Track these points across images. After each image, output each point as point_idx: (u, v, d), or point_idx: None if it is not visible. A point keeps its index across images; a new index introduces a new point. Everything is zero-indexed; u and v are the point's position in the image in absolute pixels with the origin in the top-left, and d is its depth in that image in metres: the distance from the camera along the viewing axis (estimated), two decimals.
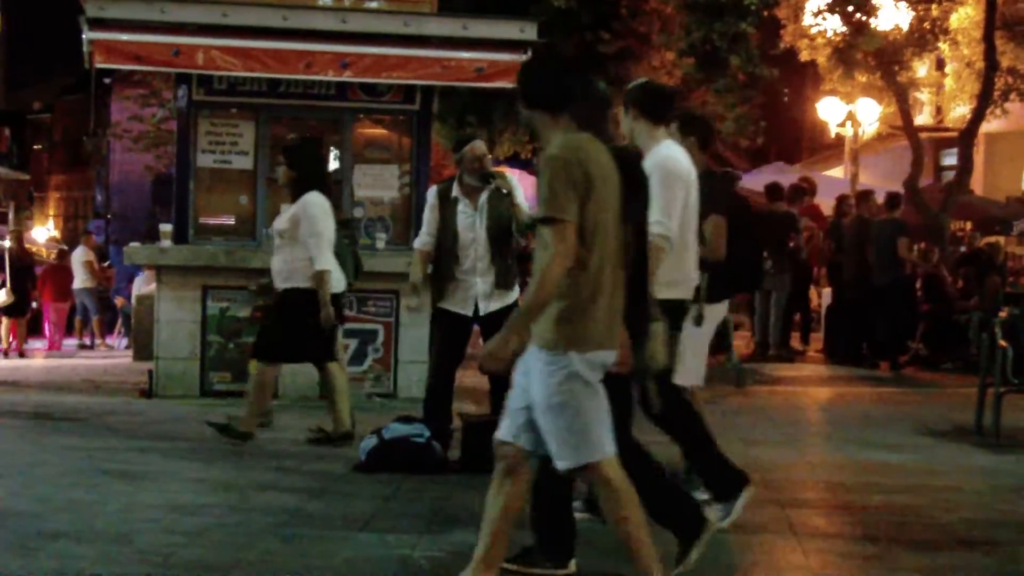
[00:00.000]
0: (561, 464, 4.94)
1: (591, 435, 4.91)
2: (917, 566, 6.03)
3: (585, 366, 4.87)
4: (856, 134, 21.87)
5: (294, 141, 10.46)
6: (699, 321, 7.00)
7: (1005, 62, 17.22)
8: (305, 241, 8.55)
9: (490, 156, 8.27)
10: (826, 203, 18.20)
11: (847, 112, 21.63)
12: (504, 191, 8.05)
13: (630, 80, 17.78)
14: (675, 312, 6.40)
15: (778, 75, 20.02)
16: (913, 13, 17.66)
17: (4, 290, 19.98)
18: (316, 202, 8.63)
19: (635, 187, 5.36)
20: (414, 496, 7.26)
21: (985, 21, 17.03)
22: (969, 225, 21.26)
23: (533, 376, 4.93)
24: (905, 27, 17.57)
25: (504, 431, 5.10)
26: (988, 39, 16.88)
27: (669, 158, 6.40)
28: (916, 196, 17.15)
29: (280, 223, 8.80)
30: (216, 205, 11.54)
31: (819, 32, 17.79)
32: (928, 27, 17.66)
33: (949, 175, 21.83)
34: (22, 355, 19.70)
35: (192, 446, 8.58)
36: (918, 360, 15.50)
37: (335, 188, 11.35)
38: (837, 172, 25.20)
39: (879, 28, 17.30)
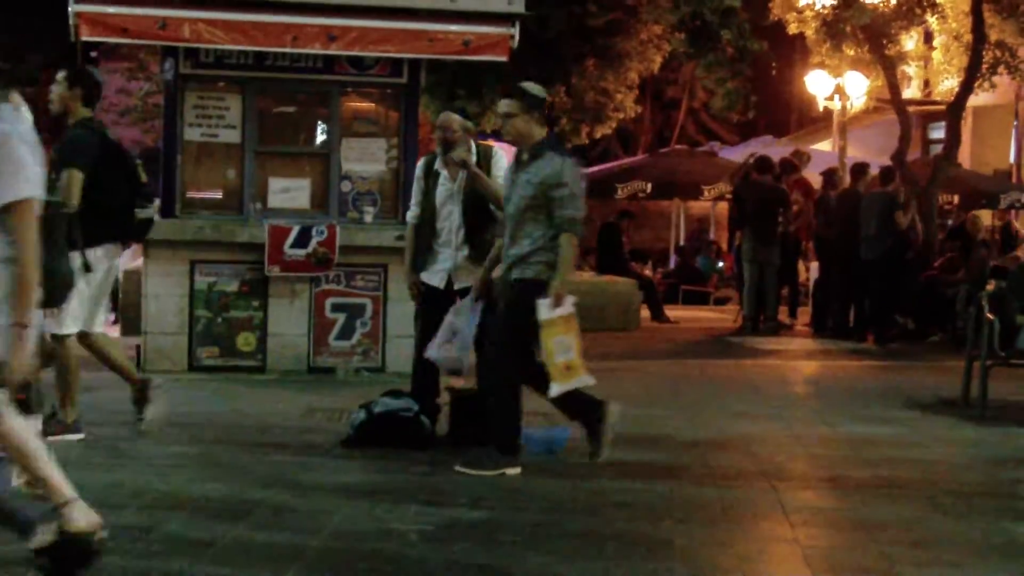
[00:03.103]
0: None
1: None
2: (903, 538, 6.06)
3: None
4: (844, 107, 21.86)
5: None
6: (86, 268, 7.52)
7: (993, 35, 17.17)
8: None
9: (462, 132, 8.11)
10: (814, 176, 18.22)
11: (835, 85, 21.62)
12: (458, 160, 7.98)
13: (619, 53, 17.80)
14: None
15: (767, 48, 19.97)
16: None
17: None
18: None
19: None
20: (403, 470, 7.28)
21: None
22: (956, 199, 21.28)
23: None
24: (893, 0, 17.54)
25: None
26: (976, 12, 16.83)
27: None
28: (903, 169, 17.11)
29: None
30: (203, 179, 11.49)
31: (807, 5, 17.75)
32: (916, 0, 17.62)
33: (937, 148, 21.82)
34: None
35: (179, 420, 8.57)
36: (906, 333, 15.53)
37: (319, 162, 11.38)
38: (825, 146, 25.19)
39: (867, 1, 17.27)
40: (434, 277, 8.13)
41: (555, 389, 7.35)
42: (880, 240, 14.87)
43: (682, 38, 18.05)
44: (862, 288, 15.36)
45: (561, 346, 7.22)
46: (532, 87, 7.54)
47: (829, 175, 17.13)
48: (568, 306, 7.23)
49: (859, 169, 16.40)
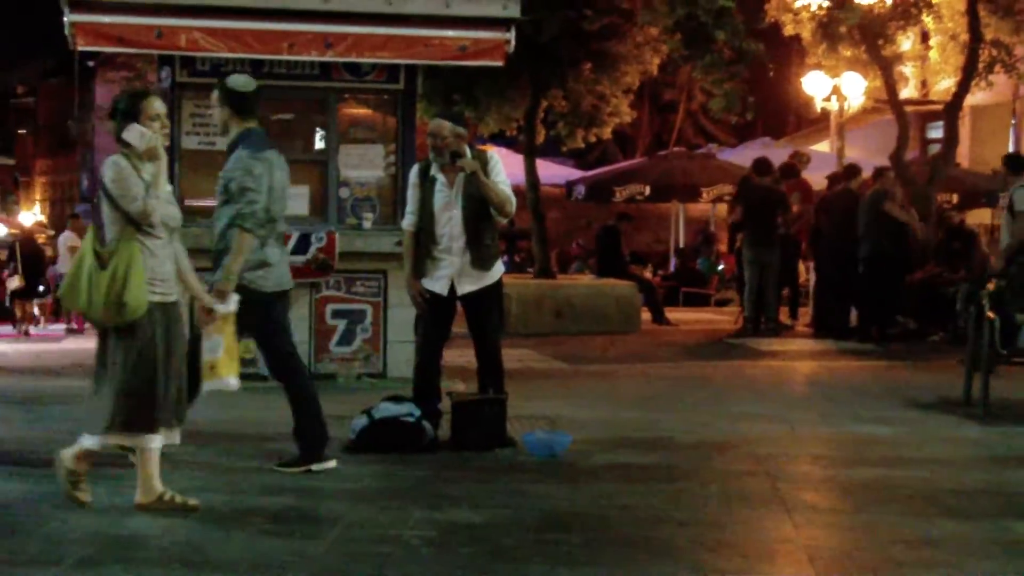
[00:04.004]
0: None
1: None
2: (905, 537, 6.05)
3: None
4: (841, 108, 21.87)
5: None
6: None
7: (989, 34, 17.18)
8: None
9: (454, 137, 8.07)
10: (812, 178, 18.23)
11: (832, 86, 21.63)
12: (466, 171, 7.97)
13: (615, 58, 17.79)
14: None
15: (763, 50, 19.94)
16: None
17: (16, 276, 21.69)
18: None
19: None
20: (405, 475, 7.28)
21: None
22: (955, 198, 21.28)
23: None
24: (888, 0, 17.54)
25: None
26: (971, 11, 16.84)
27: None
28: (902, 169, 17.14)
29: None
30: (201, 187, 11.46)
31: (803, 6, 17.76)
32: (911, 0, 17.62)
33: (935, 148, 21.83)
34: (27, 334, 20.88)
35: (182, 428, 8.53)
36: (907, 333, 15.52)
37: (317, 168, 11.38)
38: (823, 147, 25.20)
39: (860, 2, 17.27)
40: (436, 284, 8.12)
41: (204, 387, 7.07)
42: (872, 238, 14.93)
43: (678, 40, 18.04)
44: (860, 287, 15.39)
45: (208, 344, 6.88)
46: (234, 81, 7.47)
47: (834, 179, 17.21)
48: (231, 305, 6.95)
49: (850, 170, 16.56)
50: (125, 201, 6.15)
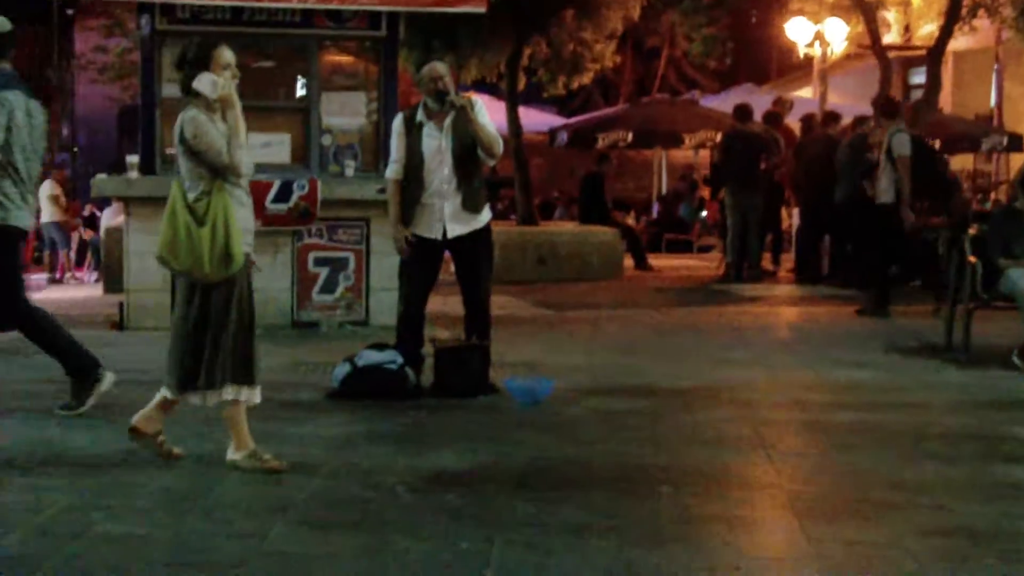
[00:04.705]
0: None
1: None
2: (886, 480, 6.09)
3: None
4: (824, 54, 21.81)
5: None
6: None
7: None
8: None
9: (449, 78, 8.13)
10: (794, 125, 18.22)
11: (815, 32, 21.56)
12: (459, 104, 7.94)
13: (597, 3, 17.69)
14: None
15: None
16: None
17: None
18: None
19: None
20: (388, 422, 7.30)
21: None
22: (937, 143, 21.27)
23: None
24: None
25: None
26: None
27: None
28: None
29: None
30: None
31: None
32: None
33: (918, 94, 21.78)
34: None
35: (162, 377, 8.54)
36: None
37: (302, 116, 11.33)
38: (806, 92, 25.14)
39: None
40: (429, 230, 8.09)
41: None
42: (844, 182, 14.94)
43: None
44: (839, 233, 15.42)
45: None
46: None
47: (807, 121, 17.10)
48: None
49: (830, 116, 16.56)
50: (211, 155, 5.97)
